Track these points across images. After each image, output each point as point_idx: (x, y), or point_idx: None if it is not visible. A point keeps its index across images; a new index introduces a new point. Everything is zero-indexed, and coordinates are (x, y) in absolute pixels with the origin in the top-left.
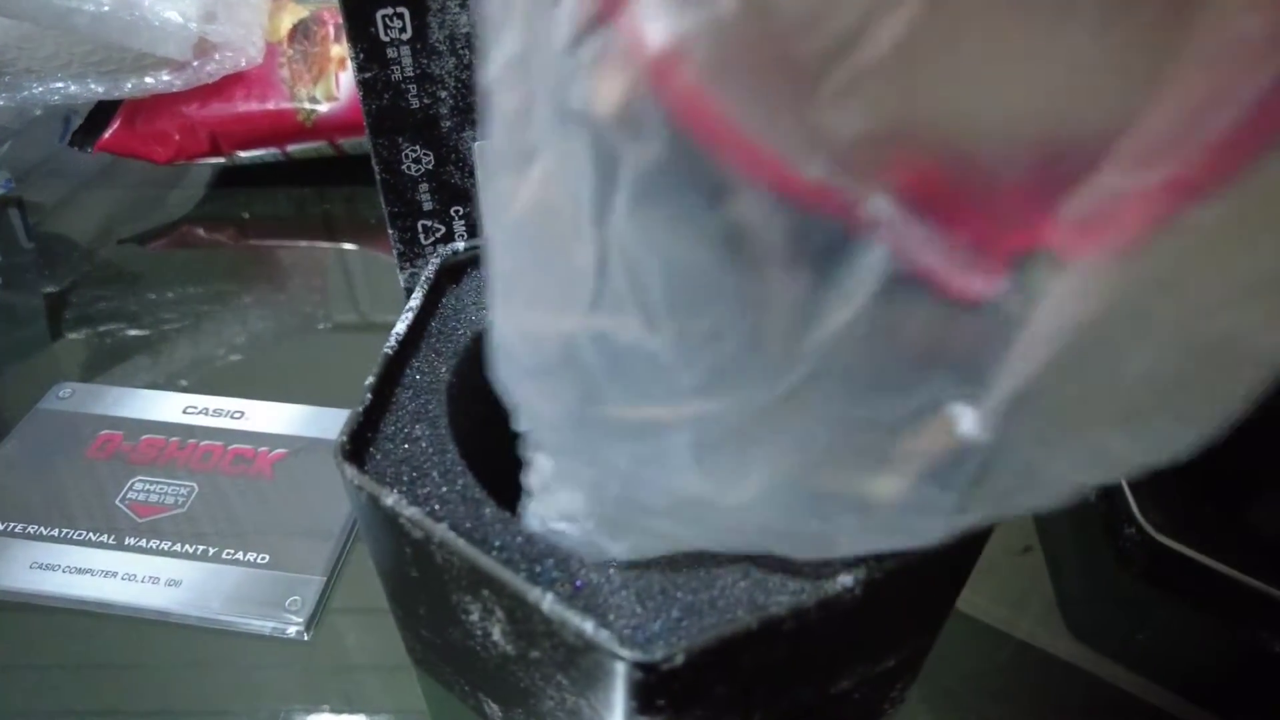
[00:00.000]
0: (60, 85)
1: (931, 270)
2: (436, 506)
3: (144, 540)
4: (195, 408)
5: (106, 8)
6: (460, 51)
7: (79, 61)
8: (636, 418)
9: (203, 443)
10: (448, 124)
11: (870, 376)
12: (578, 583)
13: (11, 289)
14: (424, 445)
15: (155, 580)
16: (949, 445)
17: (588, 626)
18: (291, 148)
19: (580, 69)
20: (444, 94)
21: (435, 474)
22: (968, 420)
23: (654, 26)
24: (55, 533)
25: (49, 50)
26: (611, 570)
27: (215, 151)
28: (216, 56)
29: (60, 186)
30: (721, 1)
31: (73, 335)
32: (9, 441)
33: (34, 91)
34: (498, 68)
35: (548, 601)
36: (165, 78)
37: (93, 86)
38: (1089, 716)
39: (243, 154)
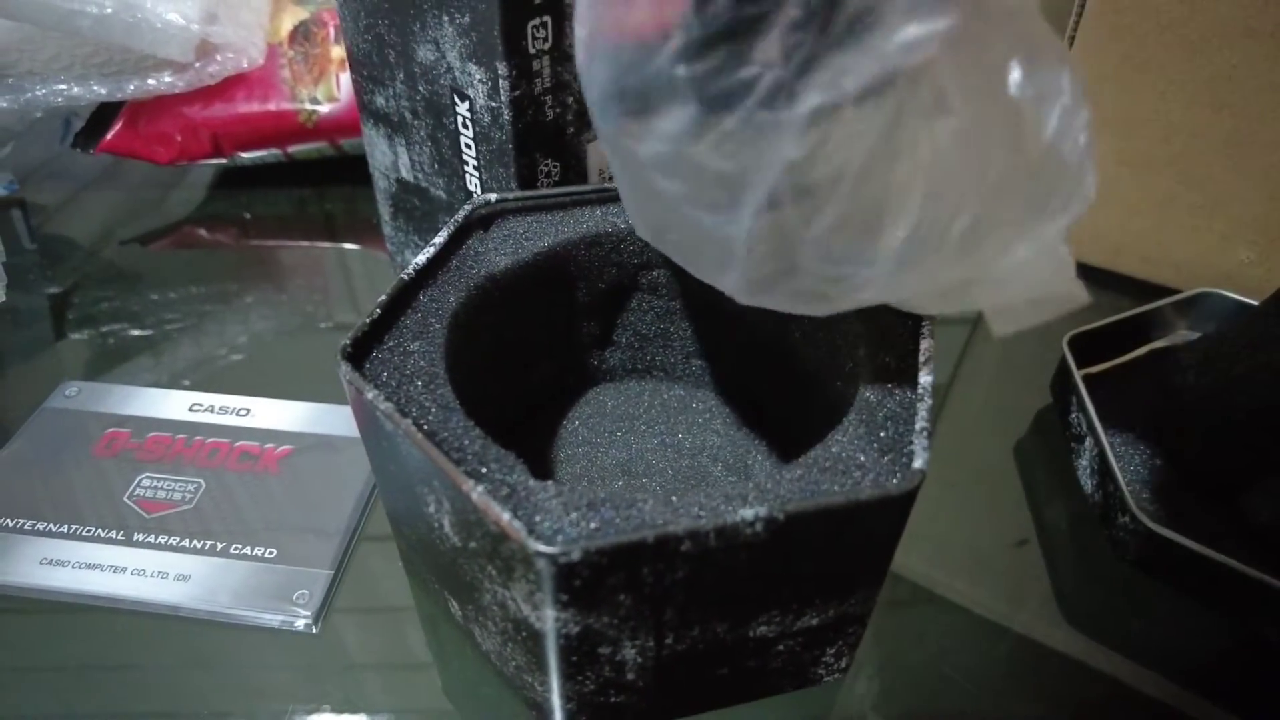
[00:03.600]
0: (63, 87)
1: None
2: (413, 409)
3: (152, 536)
4: (201, 405)
5: (109, 10)
6: None
7: (81, 63)
8: None
9: (209, 440)
10: (571, 130)
11: None
12: (512, 484)
13: (15, 289)
14: (416, 359)
15: (164, 575)
16: None
17: (505, 516)
18: (293, 148)
19: None
20: (570, 99)
21: (420, 382)
22: None
23: None
24: (65, 529)
25: (51, 52)
26: (550, 484)
27: (217, 152)
28: (218, 58)
29: (62, 188)
30: None
31: (76, 335)
32: (17, 440)
33: (36, 94)
34: None
35: (477, 492)
36: (167, 79)
37: (95, 88)
38: (1088, 707)
39: (244, 155)
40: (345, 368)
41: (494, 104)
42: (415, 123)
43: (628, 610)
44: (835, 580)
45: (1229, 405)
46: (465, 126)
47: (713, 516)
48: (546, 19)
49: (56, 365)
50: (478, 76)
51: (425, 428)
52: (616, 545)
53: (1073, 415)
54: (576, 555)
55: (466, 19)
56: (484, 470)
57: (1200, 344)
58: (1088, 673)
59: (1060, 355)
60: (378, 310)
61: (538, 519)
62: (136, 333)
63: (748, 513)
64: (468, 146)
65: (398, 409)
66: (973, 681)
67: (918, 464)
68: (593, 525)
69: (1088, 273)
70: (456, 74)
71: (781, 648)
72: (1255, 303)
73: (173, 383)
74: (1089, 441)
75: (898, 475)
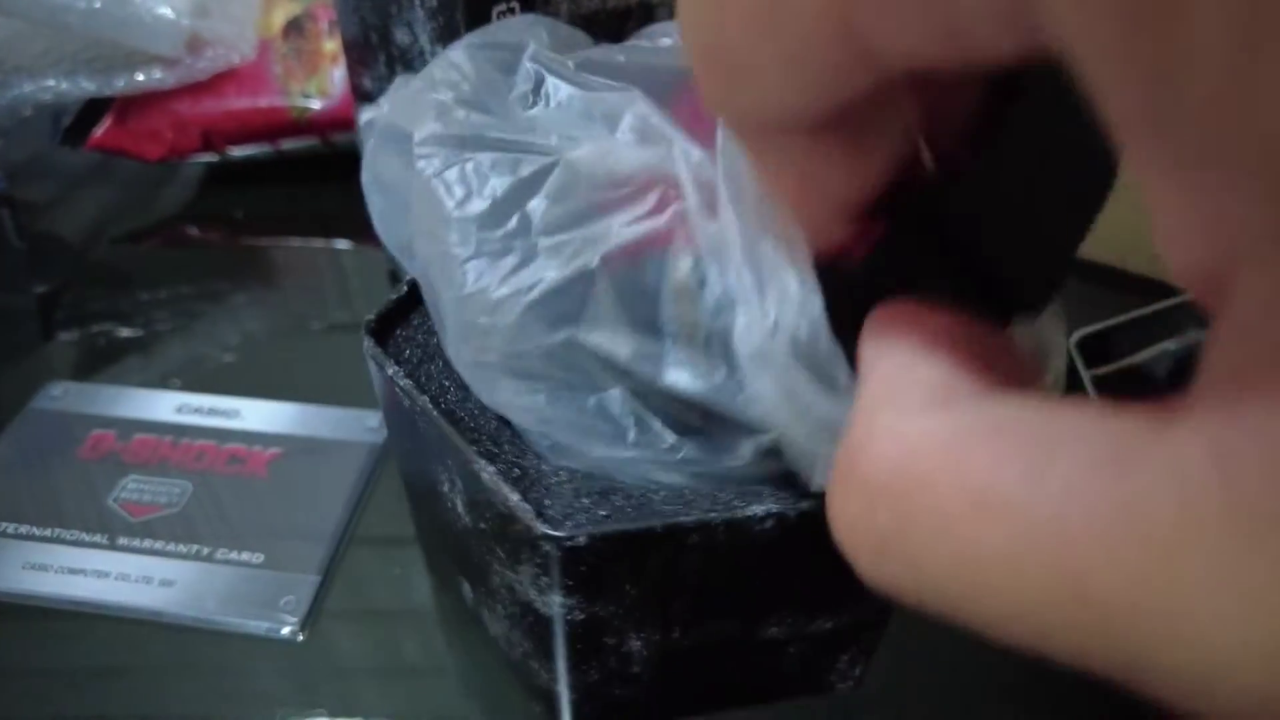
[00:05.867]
0: (52, 83)
1: None
2: (432, 386)
3: (137, 540)
4: (188, 406)
5: (98, 4)
6: None
7: (70, 59)
8: None
9: (196, 442)
10: None
11: None
12: (524, 467)
13: (3, 288)
14: (438, 339)
15: (149, 580)
16: None
17: (514, 498)
18: (284, 144)
19: None
20: None
21: (441, 361)
22: None
23: None
24: (48, 533)
25: (40, 48)
26: (562, 469)
27: (207, 148)
28: (209, 53)
29: (51, 185)
30: None
31: (64, 335)
32: (1, 441)
33: (25, 90)
34: None
35: (488, 473)
36: (157, 75)
37: (84, 84)
38: (1094, 709)
39: (235, 151)
40: (368, 342)
41: None
42: None
43: (634, 600)
44: (850, 584)
45: None
46: None
47: (724, 510)
48: (514, 5)
49: (43, 365)
50: None
51: (443, 406)
52: (623, 533)
53: None
54: (582, 540)
55: (434, 2)
56: (498, 451)
57: None
58: (1112, 690)
59: (1068, 356)
60: (404, 288)
61: (547, 502)
62: (125, 332)
63: (759, 509)
64: None
65: (416, 386)
66: (991, 696)
67: None
68: (602, 512)
69: (1096, 272)
70: (428, 58)
71: (793, 650)
72: None
73: (162, 383)
74: None
75: None
